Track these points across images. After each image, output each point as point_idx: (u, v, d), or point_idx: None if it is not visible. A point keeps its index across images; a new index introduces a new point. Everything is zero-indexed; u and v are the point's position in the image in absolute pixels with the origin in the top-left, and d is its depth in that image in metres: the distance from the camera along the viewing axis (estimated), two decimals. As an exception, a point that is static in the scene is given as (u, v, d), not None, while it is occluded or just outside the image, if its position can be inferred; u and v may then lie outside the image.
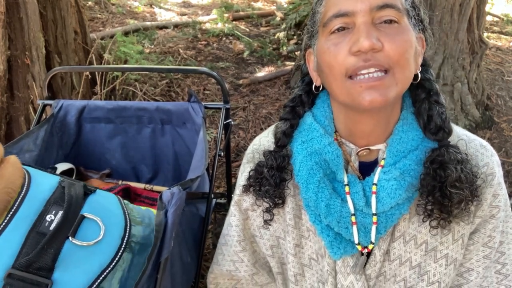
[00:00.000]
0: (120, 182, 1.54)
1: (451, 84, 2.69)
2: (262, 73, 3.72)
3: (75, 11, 2.66)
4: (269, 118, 3.00)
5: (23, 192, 0.69)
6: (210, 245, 1.90)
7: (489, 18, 4.95)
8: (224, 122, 1.47)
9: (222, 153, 1.43)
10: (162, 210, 0.83)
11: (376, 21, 0.66)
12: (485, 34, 4.30)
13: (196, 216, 1.22)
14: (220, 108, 1.48)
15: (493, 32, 4.68)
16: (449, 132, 0.73)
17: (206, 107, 1.48)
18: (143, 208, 0.92)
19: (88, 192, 0.78)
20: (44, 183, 0.73)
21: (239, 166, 0.93)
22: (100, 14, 4.88)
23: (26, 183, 0.70)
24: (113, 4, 5.22)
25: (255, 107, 3.15)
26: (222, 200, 1.80)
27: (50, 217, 0.68)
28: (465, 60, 2.71)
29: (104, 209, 0.76)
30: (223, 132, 1.48)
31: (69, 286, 0.66)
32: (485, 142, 0.78)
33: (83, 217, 0.71)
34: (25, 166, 0.76)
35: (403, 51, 0.65)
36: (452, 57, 2.65)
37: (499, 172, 0.76)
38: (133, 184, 1.52)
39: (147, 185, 1.54)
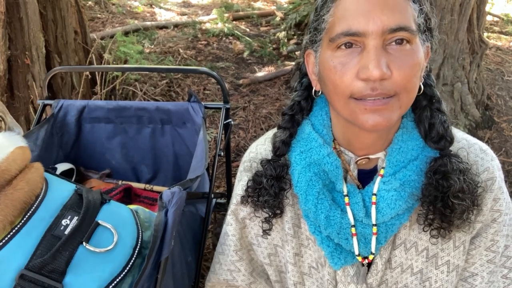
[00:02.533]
0: (120, 182, 1.53)
1: (451, 84, 2.69)
2: (262, 73, 3.72)
3: (75, 11, 2.66)
4: (269, 118, 3.00)
5: (40, 196, 0.70)
6: (210, 245, 1.90)
7: (489, 18, 4.94)
8: (224, 122, 1.47)
9: (222, 153, 1.43)
10: (163, 210, 0.83)
11: (386, 42, 0.63)
12: (485, 34, 4.30)
13: (196, 216, 1.22)
14: (220, 108, 1.47)
15: (493, 32, 4.68)
16: (451, 141, 0.72)
17: (206, 107, 1.48)
18: (146, 210, 0.92)
19: (103, 201, 0.79)
20: (61, 189, 0.75)
21: (239, 166, 0.93)
22: (100, 14, 4.88)
23: (44, 188, 0.72)
24: (113, 4, 5.22)
25: (255, 107, 3.15)
26: (222, 200, 1.80)
27: (66, 221, 0.69)
28: (465, 60, 2.71)
29: (118, 218, 0.77)
30: (223, 132, 1.48)
31: None
32: (485, 146, 0.77)
33: (98, 224, 0.72)
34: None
35: (410, 77, 0.63)
36: (452, 57, 2.65)
37: (499, 176, 0.75)
38: (133, 184, 1.52)
39: (147, 185, 1.54)
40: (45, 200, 0.70)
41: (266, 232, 0.83)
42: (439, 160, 0.71)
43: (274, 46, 4.24)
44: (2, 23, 2.05)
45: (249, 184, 0.82)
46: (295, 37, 4.13)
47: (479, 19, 2.76)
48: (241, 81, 3.51)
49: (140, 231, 0.79)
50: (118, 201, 1.32)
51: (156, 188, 1.53)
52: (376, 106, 0.63)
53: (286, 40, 4.13)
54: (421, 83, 0.70)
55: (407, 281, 0.78)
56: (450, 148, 0.72)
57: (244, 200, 0.83)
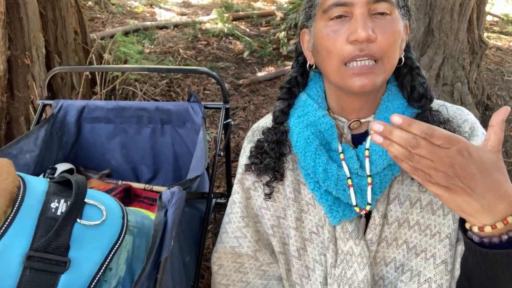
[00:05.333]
0: (120, 182, 1.53)
1: (451, 84, 2.69)
2: (262, 73, 3.72)
3: (75, 11, 2.66)
4: (269, 118, 3.00)
5: (22, 187, 0.73)
6: (210, 245, 1.90)
7: (489, 18, 4.94)
8: (224, 122, 1.47)
9: (222, 153, 1.43)
10: (162, 209, 0.83)
11: (371, 12, 0.72)
12: (485, 34, 4.30)
13: (196, 216, 1.22)
14: (220, 108, 1.48)
15: (493, 32, 4.68)
16: (431, 98, 0.80)
17: (206, 107, 1.48)
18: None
19: None
20: (36, 181, 0.78)
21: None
22: (100, 14, 4.88)
23: (21, 180, 0.75)
24: (113, 4, 5.22)
25: (255, 107, 3.15)
26: (222, 200, 1.80)
27: (55, 204, 0.73)
28: (465, 60, 2.71)
29: (100, 197, 0.81)
30: (223, 132, 1.48)
31: (85, 263, 0.71)
32: (460, 106, 0.86)
33: (85, 203, 0.76)
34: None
35: (392, 42, 0.72)
36: (452, 57, 2.65)
37: (479, 126, 0.82)
38: (133, 184, 1.52)
39: (147, 185, 1.54)
40: (27, 189, 0.73)
41: (268, 195, 0.88)
42: (422, 114, 0.79)
43: (274, 46, 4.25)
44: (2, 23, 2.05)
45: (251, 150, 0.90)
46: (295, 37, 4.13)
47: (479, 19, 2.76)
48: (241, 81, 3.51)
49: (121, 205, 0.83)
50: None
51: (156, 188, 1.53)
52: (363, 70, 0.72)
53: (286, 40, 4.13)
54: (402, 56, 0.79)
55: (406, 236, 0.80)
56: (431, 106, 0.80)
57: (248, 167, 0.90)
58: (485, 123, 2.99)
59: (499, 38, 4.49)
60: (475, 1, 2.61)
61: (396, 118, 0.56)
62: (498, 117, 0.60)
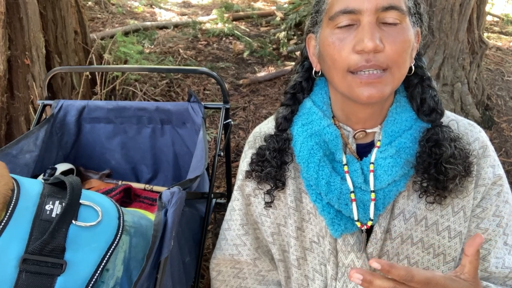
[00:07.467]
0: (120, 182, 1.53)
1: (451, 84, 2.69)
2: (262, 73, 3.72)
3: (75, 11, 2.66)
4: (269, 118, 3.00)
5: (16, 189, 0.72)
6: (210, 245, 1.90)
7: (489, 18, 4.94)
8: (224, 122, 1.47)
9: (222, 153, 1.43)
10: (162, 209, 0.83)
11: (380, 20, 0.69)
12: (485, 34, 4.30)
13: (196, 216, 1.22)
14: (220, 108, 1.48)
15: (493, 32, 4.68)
16: (442, 113, 0.78)
17: (206, 107, 1.48)
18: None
19: None
20: (30, 182, 0.77)
21: (238, 166, 0.95)
22: (100, 14, 4.88)
23: (14, 182, 0.75)
24: (113, 4, 5.22)
25: (255, 107, 3.15)
26: (222, 200, 1.80)
27: (49, 206, 0.72)
28: (465, 60, 2.71)
29: (95, 198, 0.80)
30: (223, 132, 1.48)
31: (82, 264, 0.70)
32: (471, 121, 0.83)
33: (80, 204, 0.75)
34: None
35: (401, 52, 0.69)
36: (452, 57, 2.64)
37: (490, 145, 0.80)
38: (133, 184, 1.52)
39: (147, 185, 1.54)
40: (21, 192, 0.72)
41: (268, 204, 0.86)
42: (431, 130, 0.76)
43: (274, 46, 4.24)
44: (2, 23, 2.05)
45: (253, 158, 0.86)
46: (295, 37, 4.13)
47: (479, 19, 2.76)
48: (241, 81, 3.51)
49: (118, 206, 0.83)
50: (118, 201, 1.32)
51: (156, 188, 1.53)
52: (371, 79, 0.69)
53: (286, 40, 4.13)
54: (412, 65, 0.77)
55: (408, 252, 0.79)
56: (442, 121, 0.78)
57: (248, 174, 0.87)
58: (485, 123, 2.96)
59: (499, 38, 4.49)
60: (475, 1, 2.61)
61: (376, 265, 0.57)
62: (472, 249, 0.60)
